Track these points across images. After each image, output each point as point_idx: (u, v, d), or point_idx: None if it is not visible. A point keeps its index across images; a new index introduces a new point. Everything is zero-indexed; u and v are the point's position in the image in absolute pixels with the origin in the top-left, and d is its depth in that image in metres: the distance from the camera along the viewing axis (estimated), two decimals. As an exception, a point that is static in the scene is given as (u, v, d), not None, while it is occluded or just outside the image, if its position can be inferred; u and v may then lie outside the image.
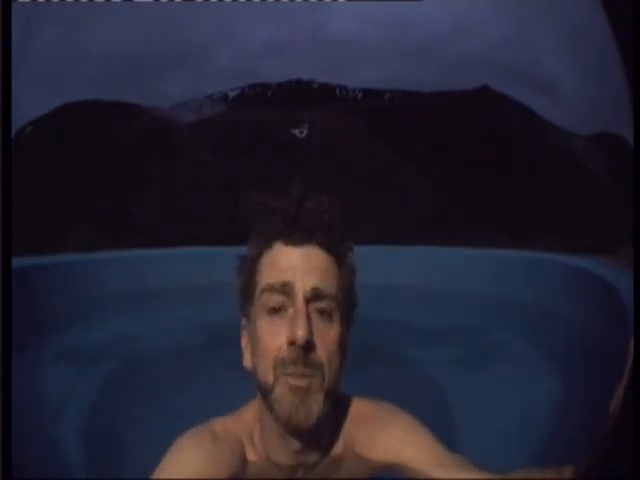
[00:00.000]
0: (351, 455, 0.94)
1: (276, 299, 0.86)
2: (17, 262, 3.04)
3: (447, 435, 0.96)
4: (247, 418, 0.95)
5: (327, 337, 0.85)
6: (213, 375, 2.46)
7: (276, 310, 0.86)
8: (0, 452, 0.75)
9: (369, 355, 2.46)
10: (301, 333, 0.81)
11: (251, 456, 0.92)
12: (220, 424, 0.94)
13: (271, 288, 0.86)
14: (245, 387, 0.94)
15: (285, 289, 0.85)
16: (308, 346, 0.82)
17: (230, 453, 0.90)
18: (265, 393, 0.86)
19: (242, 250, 0.95)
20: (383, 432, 0.93)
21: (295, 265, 0.87)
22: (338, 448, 0.94)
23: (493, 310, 3.84)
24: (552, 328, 3.19)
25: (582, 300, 3.23)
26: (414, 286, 4.53)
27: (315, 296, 0.85)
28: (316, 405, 0.84)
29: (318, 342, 0.84)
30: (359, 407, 0.97)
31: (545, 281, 4.00)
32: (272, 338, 0.85)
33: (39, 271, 3.89)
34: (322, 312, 0.86)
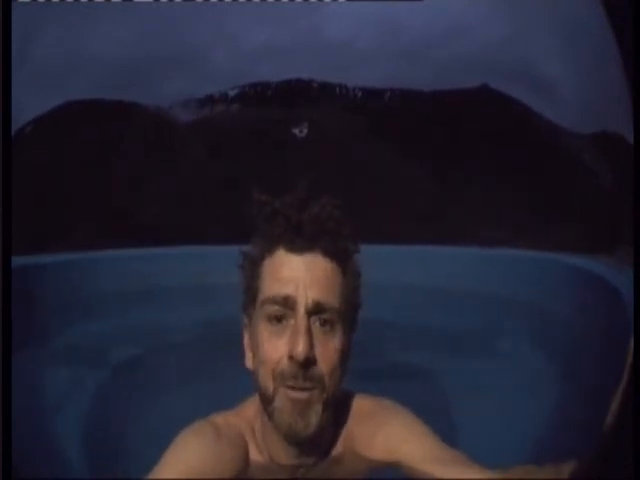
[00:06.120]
0: (351, 453, 0.94)
1: (277, 310, 0.85)
2: (17, 261, 3.04)
3: (447, 433, 0.96)
4: (248, 413, 0.95)
5: (328, 348, 0.85)
6: (213, 374, 2.46)
7: (277, 319, 0.85)
8: (0, 452, 0.75)
9: (369, 354, 2.45)
10: (300, 349, 0.81)
11: (253, 453, 0.93)
12: (222, 418, 0.94)
13: (273, 301, 0.86)
14: (245, 386, 0.94)
15: (287, 302, 0.84)
16: (308, 362, 0.82)
17: (232, 447, 0.90)
18: (265, 401, 0.87)
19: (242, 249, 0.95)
20: (382, 429, 0.93)
21: (297, 276, 0.85)
22: (338, 447, 0.94)
23: (493, 309, 3.84)
24: (552, 328, 3.19)
25: (582, 300, 3.23)
26: (414, 285, 4.52)
27: (317, 309, 0.85)
28: (315, 415, 0.84)
29: (319, 354, 0.84)
30: (359, 404, 0.97)
31: (545, 281, 4.00)
32: (272, 348, 0.85)
33: (39, 271, 3.89)
34: (324, 323, 0.85)
